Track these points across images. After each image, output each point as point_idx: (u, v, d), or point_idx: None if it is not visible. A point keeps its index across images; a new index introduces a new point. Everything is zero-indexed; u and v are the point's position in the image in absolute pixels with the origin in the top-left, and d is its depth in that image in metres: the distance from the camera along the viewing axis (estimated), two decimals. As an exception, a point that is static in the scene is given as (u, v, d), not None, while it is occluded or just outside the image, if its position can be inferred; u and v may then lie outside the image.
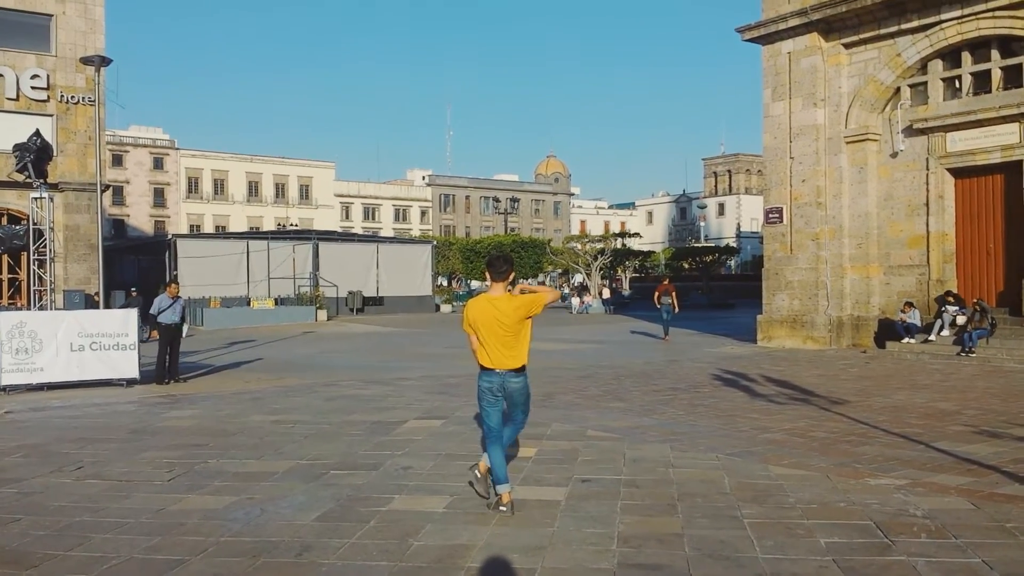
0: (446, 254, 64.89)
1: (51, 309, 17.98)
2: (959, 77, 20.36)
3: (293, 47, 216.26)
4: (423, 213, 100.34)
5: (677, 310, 26.39)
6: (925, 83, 20.90)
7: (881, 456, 8.49)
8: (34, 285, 18.15)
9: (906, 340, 19.85)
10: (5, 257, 30.32)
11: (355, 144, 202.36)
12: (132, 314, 15.89)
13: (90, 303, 28.35)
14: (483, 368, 6.65)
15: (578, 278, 62.01)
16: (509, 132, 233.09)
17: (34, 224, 18.17)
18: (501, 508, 6.48)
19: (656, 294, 26.95)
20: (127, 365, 15.28)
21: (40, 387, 14.60)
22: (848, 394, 13.08)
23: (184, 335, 16.24)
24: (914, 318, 20.02)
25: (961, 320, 19.18)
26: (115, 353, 15.18)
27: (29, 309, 19.69)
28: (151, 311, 16.23)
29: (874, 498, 6.84)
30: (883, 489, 7.13)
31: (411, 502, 6.95)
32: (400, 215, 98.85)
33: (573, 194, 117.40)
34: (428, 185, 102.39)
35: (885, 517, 6.31)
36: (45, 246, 18.01)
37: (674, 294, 26.31)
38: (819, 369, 16.86)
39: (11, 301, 31.58)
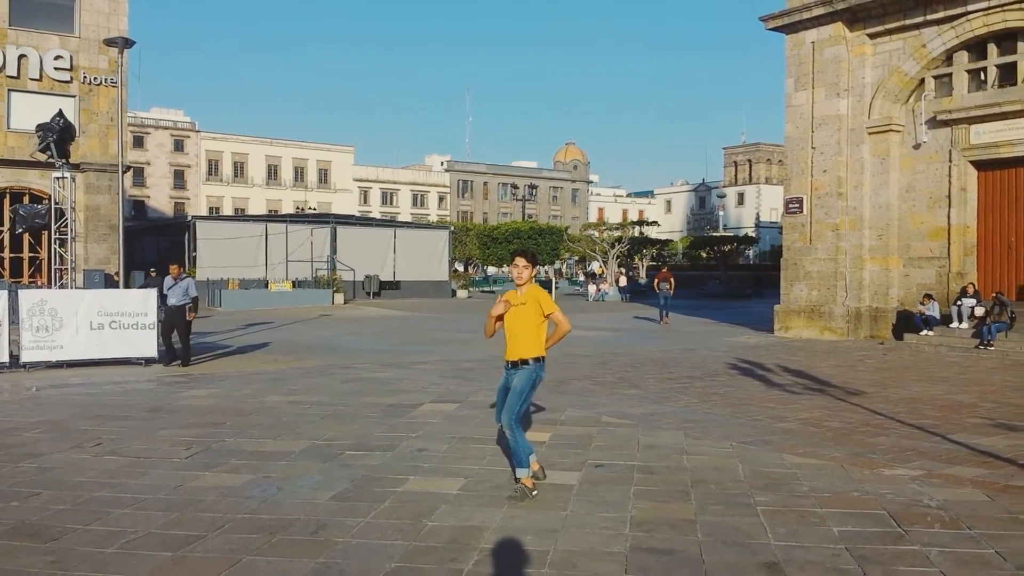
0: (463, 240, 64.94)
1: (72, 288, 18.13)
2: (984, 69, 20.17)
3: (313, 30, 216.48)
4: (441, 199, 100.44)
5: (672, 293, 28.87)
6: (950, 74, 20.71)
7: (896, 447, 8.47)
8: (55, 264, 18.30)
9: (924, 332, 19.75)
10: (26, 236, 30.55)
11: (374, 129, 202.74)
12: (151, 294, 16.00)
13: (110, 283, 28.55)
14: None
15: (594, 265, 61.89)
16: (528, 119, 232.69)
17: (56, 204, 18.30)
18: (534, 494, 6.58)
19: (656, 281, 30.12)
20: (146, 344, 15.41)
21: (60, 364, 14.74)
22: (865, 385, 13.03)
23: (187, 317, 15.42)
24: (933, 310, 19.91)
25: (980, 312, 19.07)
26: (134, 332, 15.31)
27: (50, 288, 19.88)
28: (162, 293, 16.13)
29: (888, 488, 6.83)
30: (898, 479, 7.12)
31: (425, 483, 7.00)
32: (418, 200, 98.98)
33: (591, 182, 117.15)
34: (446, 171, 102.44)
35: (899, 507, 6.30)
36: (66, 226, 18.15)
37: (671, 280, 29.06)
38: (836, 360, 16.80)
39: (32, 280, 31.88)
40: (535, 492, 6.58)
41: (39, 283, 30.25)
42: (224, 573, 5.01)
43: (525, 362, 6.64)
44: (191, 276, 17.03)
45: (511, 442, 6.64)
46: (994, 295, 19.04)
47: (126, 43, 22.09)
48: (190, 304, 15.48)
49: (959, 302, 19.60)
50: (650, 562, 5.17)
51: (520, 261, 6.68)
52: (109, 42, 23.01)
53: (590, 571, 5.04)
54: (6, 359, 14.43)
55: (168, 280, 15.84)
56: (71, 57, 32.81)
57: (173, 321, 15.48)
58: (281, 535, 5.68)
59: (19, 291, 15.67)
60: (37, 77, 32.24)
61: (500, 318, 6.68)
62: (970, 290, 19.59)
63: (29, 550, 5.39)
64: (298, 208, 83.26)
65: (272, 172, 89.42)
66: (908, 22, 20.75)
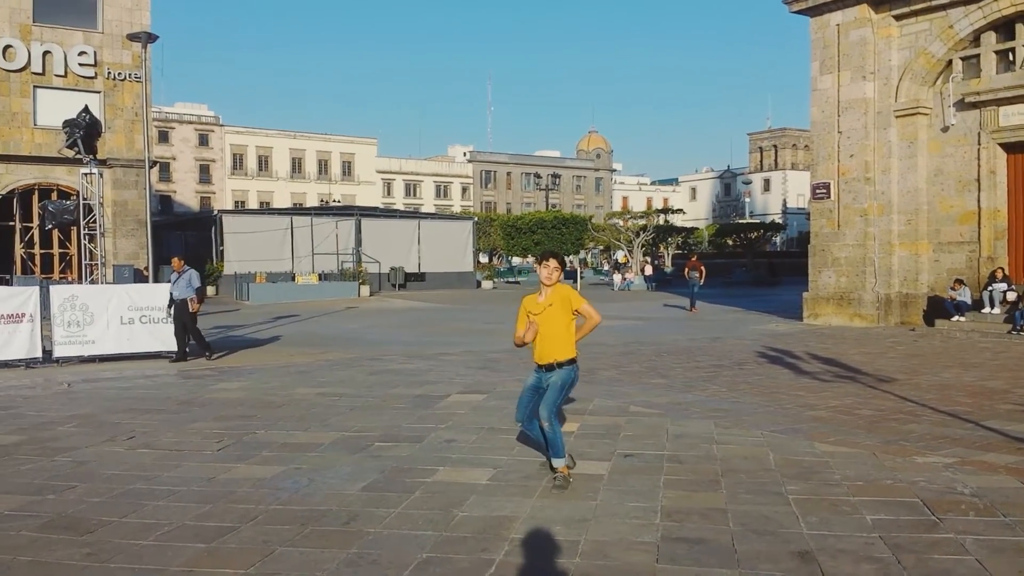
0: (487, 230, 64.94)
1: (101, 283, 18.32)
2: (1013, 50, 19.86)
3: (335, 22, 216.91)
4: (464, 189, 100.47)
5: (702, 281, 29.02)
6: (977, 56, 20.42)
7: (929, 434, 8.39)
8: (85, 259, 18.49)
9: (956, 318, 19.54)
10: (56, 232, 30.92)
11: (397, 121, 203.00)
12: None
13: (139, 277, 28.86)
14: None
15: (619, 255, 61.70)
16: (550, 108, 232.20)
17: (84, 199, 18.48)
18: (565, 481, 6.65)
19: (685, 269, 30.21)
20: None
21: (91, 359, 14.93)
22: (896, 372, 12.91)
23: (191, 308, 15.10)
24: (964, 296, 19.69)
25: (1012, 296, 18.84)
26: (164, 326, 15.45)
27: (80, 283, 20.10)
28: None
29: (921, 476, 6.76)
30: (931, 467, 7.05)
31: (455, 474, 7.02)
32: (441, 191, 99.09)
33: (615, 170, 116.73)
34: (469, 161, 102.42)
35: (933, 495, 6.24)
36: (95, 221, 18.33)
37: (701, 269, 29.07)
38: (866, 347, 16.66)
39: (62, 275, 32.25)
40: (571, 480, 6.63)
41: (69, 279, 30.59)
42: (257, 564, 5.05)
43: (560, 365, 6.64)
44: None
45: (549, 434, 6.59)
46: (1026, 279, 18.80)
47: (149, 38, 22.28)
48: (193, 296, 15.21)
49: (990, 287, 19.37)
50: (681, 551, 5.16)
51: (553, 262, 6.67)
52: (132, 37, 23.23)
53: (621, 561, 5.03)
54: (39, 354, 14.62)
55: (173, 273, 15.63)
56: (95, 53, 33.08)
57: (180, 315, 15.19)
58: (313, 526, 5.72)
59: (50, 287, 15.83)
60: (62, 73, 32.53)
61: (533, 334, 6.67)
62: (999, 275, 19.36)
63: (66, 543, 5.46)
64: (322, 201, 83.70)
65: (296, 165, 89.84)
66: (935, 3, 20.47)
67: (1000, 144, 20.06)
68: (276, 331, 21.75)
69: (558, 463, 6.65)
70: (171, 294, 15.25)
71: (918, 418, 9.24)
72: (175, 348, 15.35)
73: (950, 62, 20.79)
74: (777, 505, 6.06)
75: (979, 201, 20.30)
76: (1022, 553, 5.08)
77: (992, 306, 19.23)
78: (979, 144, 20.24)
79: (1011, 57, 19.95)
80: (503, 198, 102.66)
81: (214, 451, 7.99)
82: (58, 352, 14.81)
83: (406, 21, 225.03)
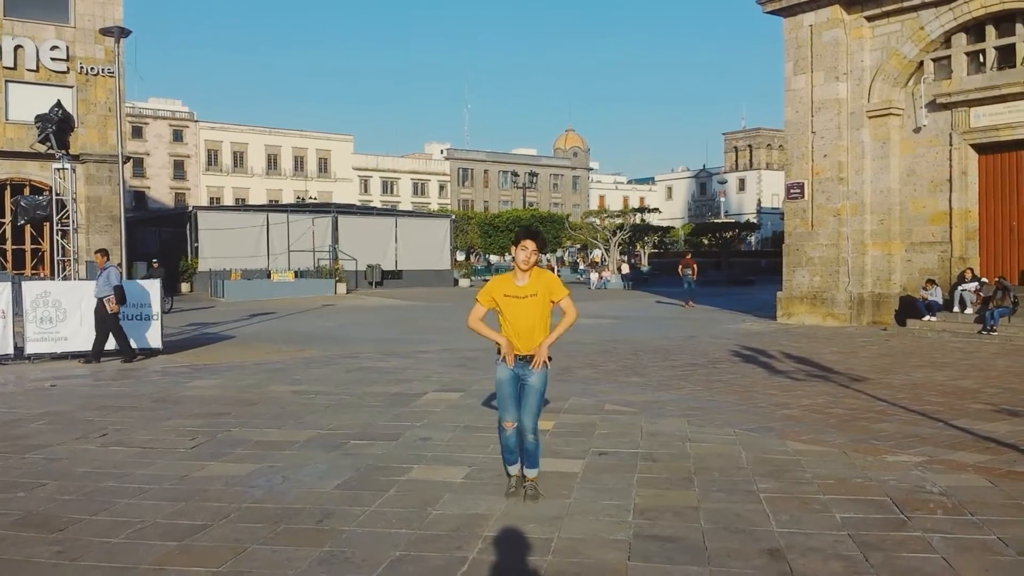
0: (465, 228, 64.89)
1: (74, 280, 18.13)
2: (983, 51, 20.11)
3: (311, 18, 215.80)
4: (441, 187, 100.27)
5: (695, 278, 30.75)
6: (949, 57, 20.65)
7: (899, 433, 8.49)
8: (57, 255, 18.30)
9: (927, 318, 19.75)
10: (28, 228, 30.57)
11: (373, 117, 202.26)
12: (154, 285, 16.02)
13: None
14: None
15: (595, 253, 61.89)
16: (527, 106, 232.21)
17: (57, 195, 18.28)
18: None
19: (680, 267, 31.72)
20: (150, 335, 15.45)
21: (64, 356, 14.79)
22: (867, 371, 13.05)
23: (109, 310, 14.28)
24: (936, 296, 19.91)
25: (969, 294, 19.13)
26: (137, 323, 15.34)
27: (52, 279, 19.89)
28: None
29: (891, 474, 6.85)
30: (900, 466, 7.14)
31: (430, 472, 7.03)
32: (419, 189, 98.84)
33: (592, 169, 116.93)
34: (446, 159, 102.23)
35: (902, 493, 6.32)
36: (68, 217, 18.14)
37: (694, 266, 30.88)
38: (839, 346, 16.81)
39: (34, 271, 31.90)
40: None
41: (42, 275, 30.26)
42: (230, 562, 5.04)
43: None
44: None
45: (532, 445, 6.22)
46: (997, 279, 19.04)
47: (122, 32, 22.07)
48: (111, 294, 14.40)
49: (960, 287, 19.60)
50: (653, 549, 5.20)
51: (530, 244, 6.03)
52: (105, 31, 22.98)
53: (594, 558, 5.06)
54: (10, 351, 14.48)
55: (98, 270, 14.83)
56: (67, 47, 32.70)
57: (99, 315, 14.49)
58: (286, 524, 5.72)
59: (22, 283, 15.67)
60: (34, 68, 32.15)
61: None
62: (968, 275, 19.59)
63: (36, 540, 5.42)
64: (299, 198, 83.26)
65: (272, 162, 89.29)
66: (906, 4, 20.67)
67: (972, 145, 20.30)
68: (252, 328, 21.64)
69: (533, 473, 6.30)
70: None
71: (889, 417, 9.35)
72: (150, 345, 15.25)
73: (921, 63, 21.01)
74: (749, 503, 6.11)
75: (951, 201, 20.53)
76: (989, 551, 5.16)
77: (964, 307, 19.46)
78: (951, 145, 20.46)
79: (981, 59, 20.19)
80: (480, 196, 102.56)
81: (187, 449, 7.95)
82: (30, 349, 14.67)
83: (382, 17, 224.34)
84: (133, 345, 14.93)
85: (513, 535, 5.48)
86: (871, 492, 6.37)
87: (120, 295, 14.52)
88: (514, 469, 6.40)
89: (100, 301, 14.49)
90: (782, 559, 5.03)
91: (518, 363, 6.18)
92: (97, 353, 14.57)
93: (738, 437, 8.26)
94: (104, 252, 15.16)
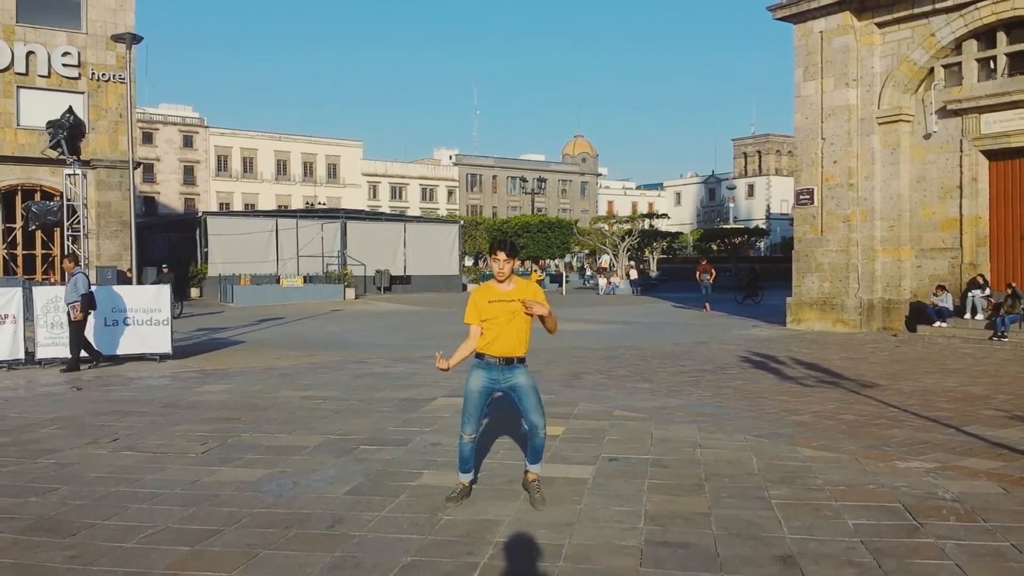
0: (473, 234, 64.92)
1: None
2: (994, 58, 20.02)
3: (321, 24, 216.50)
4: (450, 193, 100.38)
5: (712, 283, 31.55)
6: (959, 63, 20.57)
7: (911, 439, 8.45)
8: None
9: (937, 324, 19.66)
10: (39, 233, 30.71)
11: (382, 123, 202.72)
12: (165, 290, 16.06)
13: (123, 279, 28.67)
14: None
15: (603, 259, 61.83)
16: (536, 112, 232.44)
17: (67, 200, 18.38)
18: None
19: (697, 272, 32.70)
20: (160, 340, 15.49)
21: (74, 361, 14.81)
22: (878, 377, 13.00)
23: (72, 317, 13.92)
24: (946, 302, 19.83)
25: (980, 300, 19.05)
26: (148, 328, 15.39)
27: (63, 284, 19.97)
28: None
29: (903, 481, 6.82)
30: (912, 472, 7.11)
31: (440, 478, 7.02)
32: (427, 194, 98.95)
33: (600, 174, 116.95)
34: (455, 164, 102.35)
35: (914, 500, 6.30)
36: (79, 222, 18.23)
37: (712, 271, 31.82)
38: (849, 352, 16.76)
39: (45, 277, 32.03)
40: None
41: (52, 280, 30.39)
42: (241, 567, 5.05)
43: (522, 360, 6.23)
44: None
45: (542, 442, 6.26)
46: (1007, 285, 18.95)
47: (133, 39, 22.16)
48: (77, 301, 13.98)
49: (970, 293, 19.52)
50: (665, 555, 5.19)
51: (500, 255, 6.03)
52: (116, 38, 23.07)
53: (605, 565, 5.06)
54: (21, 356, 14.54)
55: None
56: (79, 53, 32.87)
57: (69, 322, 14.17)
58: (297, 529, 5.72)
59: (33, 288, 15.74)
60: (46, 74, 32.31)
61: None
62: (979, 280, 19.50)
63: (49, 545, 5.44)
64: (308, 203, 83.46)
65: (281, 167, 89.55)
66: (917, 11, 20.61)
67: (982, 151, 20.22)
68: (261, 334, 21.69)
69: (537, 468, 6.36)
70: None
71: (900, 423, 9.31)
72: (160, 350, 15.30)
73: (932, 70, 20.94)
74: (760, 510, 6.09)
75: (961, 208, 20.45)
76: (1002, 558, 5.13)
77: (975, 313, 19.37)
78: (961, 151, 20.39)
79: (992, 65, 20.11)
80: (489, 201, 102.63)
81: (198, 454, 7.96)
82: (41, 354, 14.73)
83: (392, 23, 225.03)
84: (100, 351, 14.73)
85: (524, 541, 5.48)
86: (883, 498, 6.35)
87: (88, 302, 14.19)
88: (466, 478, 6.45)
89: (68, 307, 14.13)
90: (795, 566, 5.01)
91: (498, 368, 6.19)
92: (76, 361, 14.20)
93: (748, 443, 8.24)
94: (73, 257, 14.99)
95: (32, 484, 6.92)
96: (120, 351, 15.20)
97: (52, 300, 14.85)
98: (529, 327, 6.25)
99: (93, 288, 14.75)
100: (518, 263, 6.42)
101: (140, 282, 23.71)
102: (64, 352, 14.60)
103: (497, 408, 9.90)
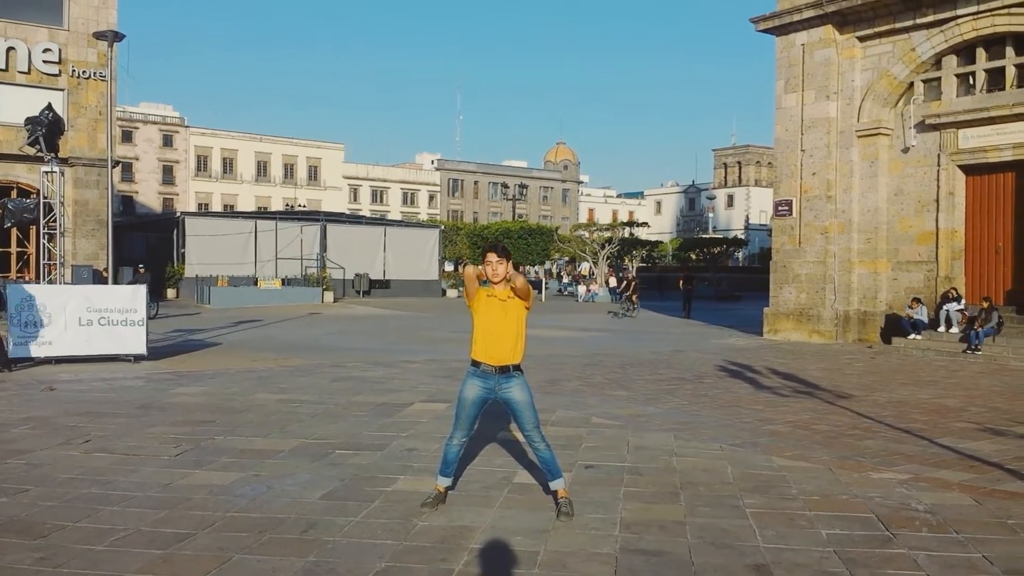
0: (453, 239, 64.83)
1: (60, 284, 18.03)
2: (973, 74, 20.25)
3: (304, 26, 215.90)
4: (431, 197, 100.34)
5: (694, 290, 34.73)
6: (939, 79, 20.79)
7: (884, 450, 8.51)
8: (43, 259, 18.20)
9: (912, 336, 19.83)
10: (14, 231, 30.40)
11: (365, 127, 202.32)
12: (140, 290, 15.92)
13: (98, 279, 28.44)
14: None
15: (583, 266, 61.94)
16: (519, 118, 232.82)
17: (44, 198, 18.20)
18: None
19: (680, 281, 35.28)
20: (135, 341, 15.34)
21: (48, 360, 14.68)
22: (853, 388, 13.09)
23: None
24: (921, 314, 20.00)
25: (955, 313, 19.23)
26: (123, 328, 15.25)
27: (38, 283, 19.77)
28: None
29: (876, 491, 6.86)
30: (885, 483, 7.15)
31: (416, 483, 7.00)
32: (408, 199, 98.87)
33: (582, 182, 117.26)
34: (437, 169, 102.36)
35: (887, 510, 6.33)
36: (55, 220, 18.05)
37: (693, 281, 35.16)
38: (824, 363, 16.87)
39: (20, 275, 31.71)
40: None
41: (27, 278, 30.08)
42: (214, 571, 5.00)
43: (518, 368, 6.12)
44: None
45: (546, 453, 6.17)
46: (982, 299, 19.14)
47: (115, 36, 21.97)
48: None
49: (944, 307, 19.71)
50: (639, 563, 5.19)
51: (492, 257, 5.97)
52: (99, 35, 22.88)
53: (580, 572, 5.05)
54: (-7, 354, 14.34)
55: None
56: (60, 50, 32.62)
57: None
58: (271, 534, 5.68)
59: (7, 286, 15.57)
60: (25, 70, 32.04)
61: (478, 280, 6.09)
62: (953, 294, 19.70)
63: (18, 547, 5.37)
64: (288, 205, 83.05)
65: (261, 169, 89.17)
66: (898, 25, 20.83)
67: (960, 166, 20.42)
68: (237, 336, 21.56)
69: (559, 484, 6.18)
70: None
71: (874, 434, 9.38)
72: (134, 351, 15.17)
73: (912, 84, 21.15)
74: (735, 518, 6.11)
75: (937, 221, 20.65)
76: (974, 570, 5.17)
77: (949, 326, 19.55)
78: (939, 165, 20.59)
79: (971, 81, 20.34)
80: (470, 207, 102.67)
81: (172, 456, 7.89)
82: (14, 353, 14.55)
83: (377, 27, 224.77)
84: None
85: (499, 547, 5.47)
86: (856, 509, 6.39)
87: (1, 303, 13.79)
88: (444, 483, 6.40)
89: None
90: (768, 575, 5.03)
91: (494, 377, 6.09)
92: (4, 361, 14.02)
93: (724, 452, 8.27)
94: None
95: (2, 485, 6.83)
96: (94, 351, 15.05)
97: (26, 299, 14.65)
98: (524, 330, 6.17)
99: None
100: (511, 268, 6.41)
101: (116, 282, 23.49)
102: (36, 351, 14.49)
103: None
